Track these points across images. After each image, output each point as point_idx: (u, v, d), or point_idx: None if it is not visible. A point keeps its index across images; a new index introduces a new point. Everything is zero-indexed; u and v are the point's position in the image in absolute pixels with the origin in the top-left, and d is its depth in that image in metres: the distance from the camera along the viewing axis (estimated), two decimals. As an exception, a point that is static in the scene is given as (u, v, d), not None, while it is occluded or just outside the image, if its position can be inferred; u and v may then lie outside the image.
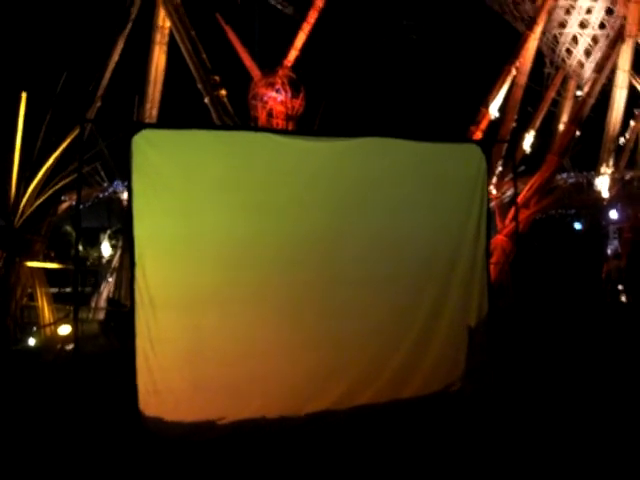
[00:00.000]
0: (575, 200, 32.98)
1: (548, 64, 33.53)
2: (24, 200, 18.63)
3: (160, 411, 8.32)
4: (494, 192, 26.82)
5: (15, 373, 12.64)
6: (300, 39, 29.37)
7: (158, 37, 24.49)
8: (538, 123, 33.55)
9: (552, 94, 33.79)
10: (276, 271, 8.61)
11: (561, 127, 32.31)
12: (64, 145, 18.81)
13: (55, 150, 18.95)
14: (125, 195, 18.10)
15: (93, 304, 24.80)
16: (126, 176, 8.60)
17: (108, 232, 34.78)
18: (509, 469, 7.63)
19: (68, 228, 35.12)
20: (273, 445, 8.29)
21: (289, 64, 29.32)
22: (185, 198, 8.48)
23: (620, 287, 28.17)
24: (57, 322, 17.83)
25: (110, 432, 8.72)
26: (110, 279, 26.55)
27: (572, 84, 33.41)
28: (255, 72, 29.12)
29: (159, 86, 24.89)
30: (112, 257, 31.61)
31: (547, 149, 30.17)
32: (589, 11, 30.86)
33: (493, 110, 29.59)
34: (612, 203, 31.81)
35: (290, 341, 8.76)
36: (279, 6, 30.95)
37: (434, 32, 33.24)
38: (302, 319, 8.90)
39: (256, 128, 21.58)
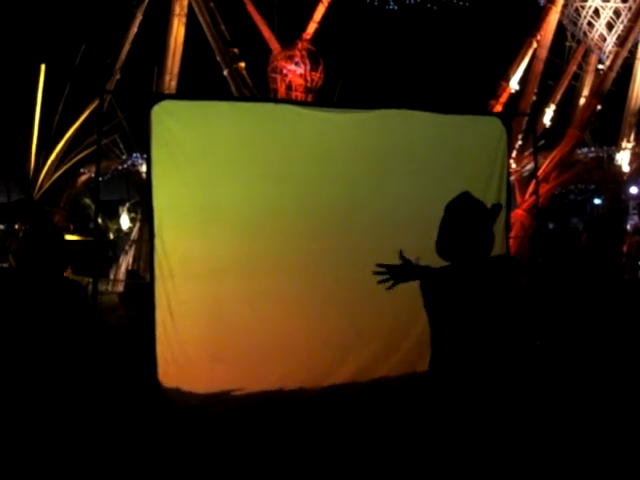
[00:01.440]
0: (595, 175, 32.79)
1: (569, 37, 33.21)
2: (43, 173, 18.74)
3: (179, 381, 8.34)
4: (514, 166, 26.68)
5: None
6: (319, 12, 29.26)
7: (177, 9, 24.42)
8: (559, 97, 33.30)
9: (573, 68, 33.49)
10: (295, 242, 8.57)
11: (582, 101, 32.02)
12: (83, 117, 18.85)
13: (74, 122, 18.99)
14: (144, 167, 18.11)
15: (112, 276, 24.96)
16: (145, 148, 8.57)
17: (127, 205, 34.92)
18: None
19: (87, 201, 35.31)
20: (291, 416, 8.31)
21: (308, 37, 29.23)
22: (205, 169, 8.45)
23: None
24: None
25: (129, 401, 8.76)
26: (129, 251, 26.73)
27: (593, 57, 33.09)
28: (274, 45, 29.04)
29: (178, 58, 24.84)
30: (131, 229, 31.78)
31: (568, 123, 30.00)
32: (611, -17, 30.59)
33: (513, 84, 29.43)
34: (633, 178, 31.63)
35: (310, 312, 8.73)
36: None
37: (455, 4, 32.97)
38: (322, 290, 8.87)
39: (275, 100, 21.51)
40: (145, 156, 8.73)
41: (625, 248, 28.55)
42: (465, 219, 4.54)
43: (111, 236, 34.71)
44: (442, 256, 4.68)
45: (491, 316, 4.48)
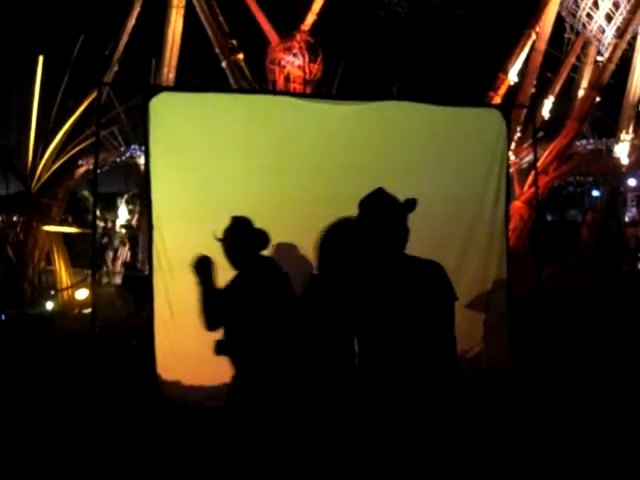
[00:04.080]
0: (594, 167, 32.79)
1: (568, 29, 33.20)
2: (41, 164, 18.69)
3: (178, 374, 8.32)
4: (512, 158, 26.65)
5: (32, 337, 12.69)
6: (318, 3, 29.19)
7: (175, 0, 24.35)
8: (557, 89, 33.32)
9: (572, 59, 33.49)
10: (295, 235, 8.52)
11: (581, 93, 31.98)
12: (81, 109, 18.82)
13: (72, 114, 18.96)
14: (142, 159, 18.09)
15: (111, 268, 24.96)
16: (143, 140, 8.55)
17: (125, 197, 34.89)
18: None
19: (85, 193, 35.28)
20: (293, 409, 8.26)
21: (307, 28, 29.18)
22: (203, 161, 8.42)
23: (639, 255, 28.06)
24: (74, 286, 17.93)
25: (128, 395, 8.76)
26: (127, 244, 26.73)
27: (592, 49, 33.06)
28: (273, 36, 29.01)
29: (176, 50, 24.77)
30: (129, 222, 31.75)
31: (566, 115, 29.97)
32: (610, -25, 30.54)
33: (512, 75, 29.44)
34: (631, 170, 31.64)
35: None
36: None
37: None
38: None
39: (274, 92, 21.47)
40: (143, 148, 8.70)
41: (623, 240, 28.63)
42: (379, 214, 4.66)
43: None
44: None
45: (407, 314, 4.47)
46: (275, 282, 6.03)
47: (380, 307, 4.49)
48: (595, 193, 39.46)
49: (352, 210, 8.93)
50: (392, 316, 4.46)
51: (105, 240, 26.10)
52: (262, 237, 6.17)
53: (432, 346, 4.49)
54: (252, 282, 5.88)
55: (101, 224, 29.16)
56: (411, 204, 4.75)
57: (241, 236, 6.07)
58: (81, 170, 23.66)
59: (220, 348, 6.13)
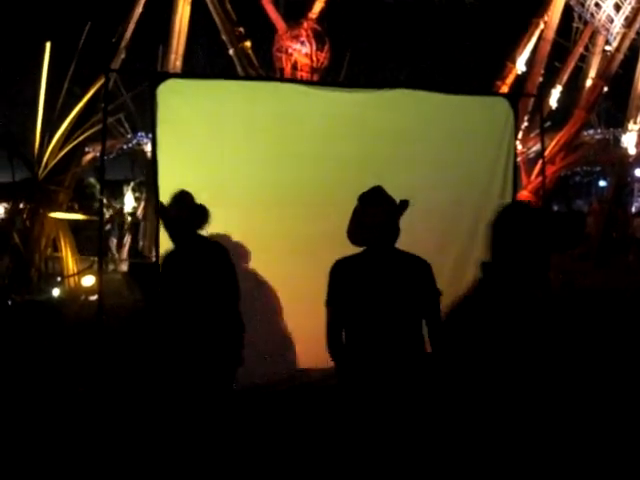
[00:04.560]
0: (601, 157, 32.72)
1: (576, 18, 33.02)
2: (48, 152, 18.68)
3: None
4: (520, 147, 26.58)
5: (38, 323, 12.72)
6: (326, -10, 29.12)
7: (183, -12, 24.33)
8: (565, 78, 33.17)
9: (580, 49, 33.32)
10: (304, 222, 8.51)
11: (589, 82, 31.86)
12: (88, 96, 18.80)
13: (79, 101, 18.94)
14: (149, 147, 18.07)
15: (116, 255, 25.00)
16: (150, 127, 8.53)
17: (132, 184, 34.87)
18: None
19: (92, 180, 35.27)
20: (303, 396, 8.28)
21: (314, 16, 29.11)
22: (210, 148, 8.40)
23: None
24: (81, 273, 17.95)
25: (134, 382, 8.77)
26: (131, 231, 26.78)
27: (601, 39, 32.87)
28: (280, 24, 28.95)
29: (183, 37, 24.77)
30: (135, 209, 31.76)
31: (574, 105, 29.90)
32: (619, -36, 30.40)
33: (520, 65, 29.38)
34: (638, 160, 31.55)
35: (318, 295, 8.69)
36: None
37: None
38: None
39: (282, 79, 21.42)
40: (150, 135, 8.69)
41: (630, 230, 28.61)
42: (377, 211, 4.87)
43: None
44: (353, 242, 5.03)
45: (392, 301, 4.76)
46: (213, 258, 6.14)
47: (365, 297, 4.81)
48: (602, 183, 39.40)
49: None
50: (375, 306, 4.75)
51: (108, 227, 26.09)
52: (203, 214, 6.25)
53: (409, 337, 4.84)
54: (189, 257, 5.98)
55: (109, 211, 29.26)
56: (404, 205, 5.04)
57: (184, 211, 6.13)
58: (88, 157, 23.68)
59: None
